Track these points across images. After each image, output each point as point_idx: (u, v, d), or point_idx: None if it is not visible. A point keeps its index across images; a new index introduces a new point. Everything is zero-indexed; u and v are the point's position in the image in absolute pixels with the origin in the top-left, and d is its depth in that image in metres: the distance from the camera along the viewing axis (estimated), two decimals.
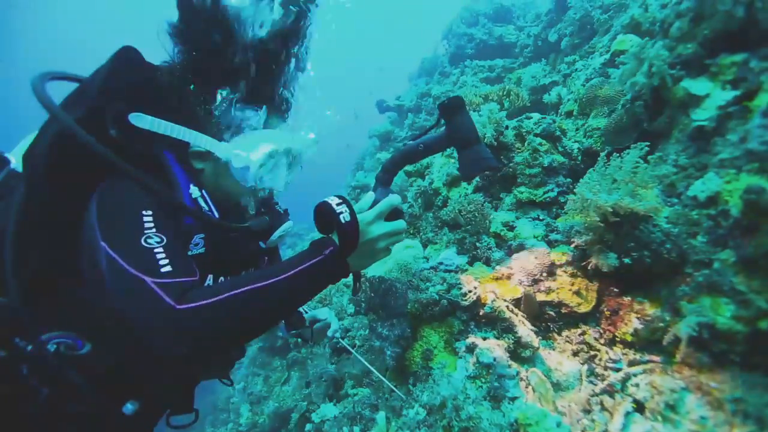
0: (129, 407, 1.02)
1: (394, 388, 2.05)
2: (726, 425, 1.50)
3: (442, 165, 3.53)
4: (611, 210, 1.85)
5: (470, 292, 2.09)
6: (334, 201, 0.93)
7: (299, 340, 1.74)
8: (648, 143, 1.92)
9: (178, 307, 0.73)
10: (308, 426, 2.65)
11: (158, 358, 0.82)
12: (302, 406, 3.44)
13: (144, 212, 0.87)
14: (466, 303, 2.06)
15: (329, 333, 1.73)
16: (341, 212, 0.90)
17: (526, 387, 1.83)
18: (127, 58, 0.99)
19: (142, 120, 0.95)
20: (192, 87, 1.04)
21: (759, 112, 1.76)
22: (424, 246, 3.16)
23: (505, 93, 3.91)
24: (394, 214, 1.04)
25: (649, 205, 1.82)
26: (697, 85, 2.05)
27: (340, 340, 2.00)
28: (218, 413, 6.06)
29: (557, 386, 1.89)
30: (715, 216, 1.82)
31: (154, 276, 0.76)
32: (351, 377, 2.68)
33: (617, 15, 4.56)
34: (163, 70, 1.03)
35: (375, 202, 1.03)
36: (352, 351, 2.26)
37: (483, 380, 1.78)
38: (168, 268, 0.79)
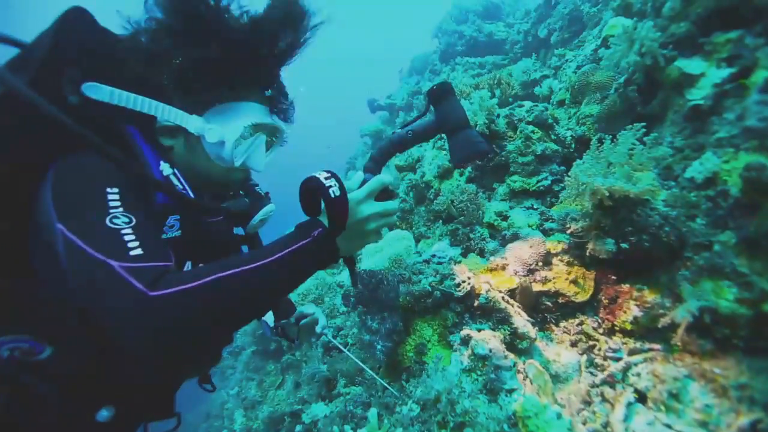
0: (104, 414, 0.92)
1: (387, 386, 1.96)
2: (732, 413, 1.43)
3: (433, 157, 3.46)
4: (608, 193, 1.79)
5: (464, 282, 2.01)
6: (322, 175, 0.82)
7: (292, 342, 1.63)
8: (644, 124, 1.87)
9: (151, 293, 0.63)
10: (298, 427, 2.56)
11: (130, 355, 0.71)
12: (297, 409, 3.35)
13: (109, 189, 0.76)
14: (460, 294, 1.98)
15: (317, 329, 1.63)
16: (330, 186, 0.80)
17: (524, 379, 1.75)
18: (77, 20, 0.87)
19: (98, 91, 0.84)
20: (166, 57, 0.91)
21: (756, 89, 1.72)
22: (417, 241, 3.08)
23: (495, 81, 3.85)
24: (385, 194, 0.95)
25: (646, 187, 1.76)
26: (691, 65, 2.00)
27: (332, 339, 1.91)
28: (212, 420, 5.93)
29: (556, 378, 1.82)
30: (714, 197, 1.77)
31: (121, 259, 0.66)
32: (343, 375, 2.59)
33: (606, 8, 4.54)
34: (126, 39, 0.91)
35: (364, 183, 0.94)
36: (344, 350, 2.17)
37: (479, 373, 1.70)
38: (138, 251, 0.68)
